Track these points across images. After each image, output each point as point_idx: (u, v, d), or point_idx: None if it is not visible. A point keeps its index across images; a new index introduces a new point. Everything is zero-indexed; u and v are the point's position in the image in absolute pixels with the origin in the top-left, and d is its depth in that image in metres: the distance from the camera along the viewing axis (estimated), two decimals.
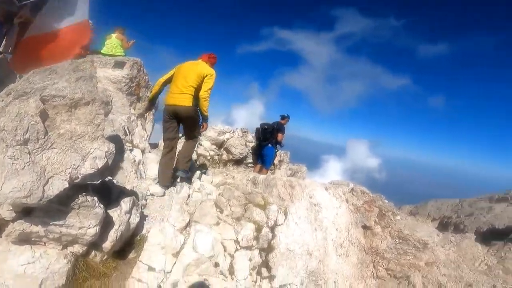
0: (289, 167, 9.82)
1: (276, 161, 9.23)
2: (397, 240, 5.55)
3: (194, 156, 7.25)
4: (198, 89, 4.13)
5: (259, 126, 8.20)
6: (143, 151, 5.39)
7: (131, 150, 4.96)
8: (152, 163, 4.91)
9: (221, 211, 4.19)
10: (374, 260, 5.47)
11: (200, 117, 4.48)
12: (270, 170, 9.04)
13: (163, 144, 4.68)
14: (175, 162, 4.66)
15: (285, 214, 4.56)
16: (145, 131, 6.71)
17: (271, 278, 4.09)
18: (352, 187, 5.76)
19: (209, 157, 7.72)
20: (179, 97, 4.10)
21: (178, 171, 4.68)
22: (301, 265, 4.39)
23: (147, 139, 6.53)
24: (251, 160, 9.10)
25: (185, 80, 4.09)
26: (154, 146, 7.11)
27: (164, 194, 4.49)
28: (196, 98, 4.17)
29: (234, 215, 4.19)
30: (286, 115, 8.14)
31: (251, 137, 9.37)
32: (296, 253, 4.37)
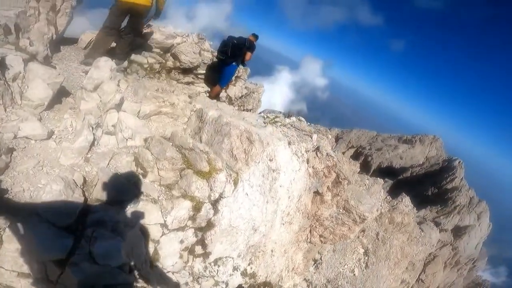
0: (245, 86, 8.40)
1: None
2: (340, 210, 5.30)
3: (125, 64, 5.21)
4: None
5: (226, 39, 6.83)
6: (29, 59, 3.31)
7: (2, 57, 2.88)
8: (37, 80, 2.99)
9: (144, 174, 2.90)
10: (312, 225, 5.23)
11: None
12: (224, 89, 7.62)
13: (102, 31, 4.74)
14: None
15: (235, 183, 3.55)
16: (53, 26, 5.13)
17: (205, 255, 3.35)
18: (318, 146, 4.91)
19: (146, 65, 5.68)
20: None
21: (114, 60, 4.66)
22: (242, 240, 3.73)
23: (53, 37, 5.17)
24: (203, 71, 7.34)
25: None
26: (71, 41, 6.12)
27: (48, 137, 2.88)
28: None
29: (163, 181, 2.97)
30: (256, 34, 7.16)
31: (208, 45, 7.33)
32: (239, 229, 3.62)
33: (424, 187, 43.01)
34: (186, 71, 7.11)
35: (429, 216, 35.80)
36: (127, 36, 5.02)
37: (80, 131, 3.40)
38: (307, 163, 4.71)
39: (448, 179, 42.02)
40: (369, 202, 5.58)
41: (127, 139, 3.50)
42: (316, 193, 5.03)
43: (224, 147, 3.82)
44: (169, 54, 6.75)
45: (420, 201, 39.72)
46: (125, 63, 5.36)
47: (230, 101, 7.96)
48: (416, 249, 11.13)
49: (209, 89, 7.48)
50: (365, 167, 50.14)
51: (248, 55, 6.87)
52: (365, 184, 11.08)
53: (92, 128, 3.46)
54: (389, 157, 53.22)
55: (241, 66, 8.18)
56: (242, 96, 8.03)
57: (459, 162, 44.86)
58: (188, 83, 7.30)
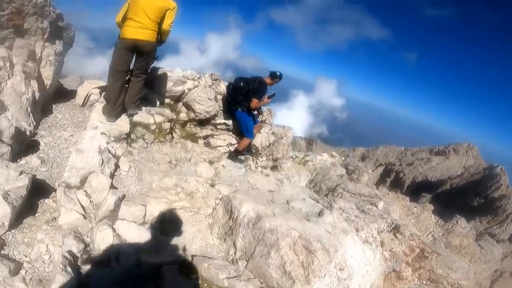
0: (272, 131, 7.15)
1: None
2: (424, 282, 3.75)
3: (127, 129, 4.10)
4: (161, 23, 4.02)
5: (232, 81, 5.72)
6: None
7: None
8: None
9: None
10: None
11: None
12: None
13: (110, 77, 4.22)
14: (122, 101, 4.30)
15: None
16: (35, 81, 4.07)
17: None
18: (396, 225, 3.45)
19: (154, 126, 4.56)
20: (143, 32, 3.91)
21: (128, 110, 4.37)
22: None
23: (35, 96, 4.10)
24: (222, 121, 6.21)
25: (146, 14, 3.87)
26: (67, 96, 5.14)
27: (13, 273, 1.77)
28: (158, 33, 4.08)
29: None
30: (278, 73, 5.70)
31: (224, 87, 6.22)
32: None
33: (468, 198, 39.18)
34: (202, 122, 6.00)
35: (479, 227, 32.07)
36: (137, 79, 4.29)
37: (57, 264, 2.22)
38: (382, 247, 3.26)
39: (493, 187, 38.17)
40: (462, 266, 3.98)
41: (129, 269, 2.26)
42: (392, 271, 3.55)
43: (272, 262, 2.49)
44: (180, 104, 5.66)
45: (467, 213, 36.01)
46: (127, 127, 4.28)
47: (257, 151, 6.72)
48: (479, 268, 9.67)
49: (232, 142, 6.30)
50: (397, 184, 47.01)
51: (254, 102, 5.51)
52: (413, 213, 9.62)
53: (75, 258, 2.26)
54: (423, 171, 49.75)
55: (264, 108, 7.02)
56: (269, 144, 6.77)
57: (501, 169, 40.97)
58: (206, 137, 6.15)
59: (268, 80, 5.64)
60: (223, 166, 4.69)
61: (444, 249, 5.50)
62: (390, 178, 49.60)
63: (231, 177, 4.04)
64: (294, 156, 10.49)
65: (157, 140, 4.56)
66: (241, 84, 5.46)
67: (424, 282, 3.55)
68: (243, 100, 5.57)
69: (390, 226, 3.26)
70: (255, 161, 6.77)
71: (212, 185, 3.62)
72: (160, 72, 5.10)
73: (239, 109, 5.69)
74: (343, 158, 11.01)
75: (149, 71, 4.58)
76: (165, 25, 4.03)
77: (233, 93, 5.59)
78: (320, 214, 3.08)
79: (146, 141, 4.41)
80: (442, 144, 53.69)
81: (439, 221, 10.59)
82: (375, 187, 9.99)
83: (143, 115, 4.41)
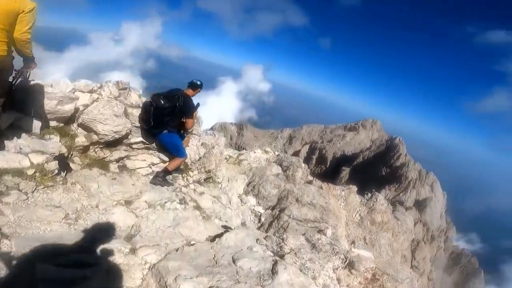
0: (201, 142, 6.32)
1: None
2: None
3: None
4: (12, 31, 3.15)
5: (149, 100, 4.79)
6: None
7: None
8: None
9: None
10: None
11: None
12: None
13: None
14: None
15: None
16: None
17: None
18: (349, 261, 3.16)
19: (31, 171, 3.23)
20: None
21: None
22: None
23: None
24: (139, 139, 5.11)
25: None
26: None
27: None
28: (12, 43, 3.20)
29: None
30: (198, 82, 5.00)
31: (136, 98, 5.07)
32: None
33: (377, 168, 45.67)
34: (111, 143, 4.78)
35: (389, 195, 37.83)
36: None
37: None
38: (339, 283, 2.96)
39: (395, 156, 45.35)
40: (406, 275, 4.06)
41: None
42: None
43: None
44: (75, 126, 4.34)
45: (378, 183, 41.99)
46: None
47: (186, 167, 5.81)
48: (400, 240, 10.93)
49: (154, 161, 5.26)
50: (322, 161, 51.59)
51: (190, 122, 4.90)
52: (342, 197, 10.29)
53: None
54: (340, 146, 55.67)
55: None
56: (200, 157, 5.94)
57: (399, 140, 49.01)
58: (120, 160, 4.96)
59: (190, 92, 4.88)
60: (146, 204, 3.73)
61: (387, 256, 5.71)
62: (315, 156, 54.19)
63: (158, 230, 3.16)
64: (228, 157, 9.87)
65: (43, 186, 3.28)
66: (163, 102, 4.53)
67: None
68: (170, 121, 4.71)
69: (345, 262, 2.95)
70: (185, 178, 5.90)
71: (134, 250, 2.70)
72: (35, 88, 3.67)
73: (164, 131, 4.78)
74: (277, 153, 10.92)
75: (11, 90, 3.23)
76: (16, 32, 3.14)
77: (156, 116, 4.63)
78: (273, 270, 2.54)
79: (23, 191, 3.10)
80: (353, 121, 61.13)
81: (363, 200, 11.62)
82: (309, 177, 10.13)
83: (9, 157, 3.05)
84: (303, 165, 10.26)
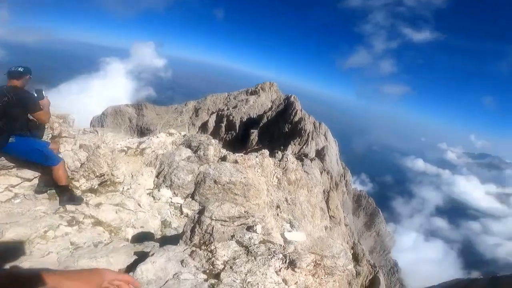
0: (78, 144, 4.97)
1: None
2: (323, 279, 3.82)
3: None
4: None
5: None
6: None
7: None
8: None
9: None
10: None
11: None
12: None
13: None
14: None
15: None
16: None
17: None
18: (292, 260, 2.93)
19: None
20: None
21: None
22: None
23: None
24: None
25: None
26: None
27: None
28: None
29: None
30: (21, 69, 3.78)
31: None
32: None
33: (281, 126, 49.51)
34: None
35: (295, 150, 41.90)
36: None
37: None
38: (286, 284, 2.75)
39: (293, 113, 49.83)
40: (340, 249, 4.28)
41: None
42: None
43: None
44: None
45: (283, 139, 45.79)
46: None
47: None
48: (315, 194, 11.92)
49: (13, 182, 3.81)
50: (231, 127, 52.27)
51: (41, 115, 3.76)
52: (258, 163, 10.53)
53: None
54: (246, 110, 57.26)
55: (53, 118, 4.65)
56: (82, 164, 4.64)
57: (294, 97, 53.76)
58: None
59: (16, 83, 3.65)
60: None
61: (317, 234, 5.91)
62: (224, 123, 54.46)
63: None
64: (126, 149, 8.48)
65: None
66: None
67: (323, 278, 3.41)
68: (10, 125, 3.47)
69: (285, 262, 2.69)
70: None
71: None
72: None
73: (11, 138, 3.47)
74: (183, 133, 9.96)
75: None
76: None
77: None
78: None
79: None
80: (253, 85, 63.35)
81: (276, 162, 12.13)
82: (222, 152, 9.76)
83: None
84: (213, 141, 9.73)
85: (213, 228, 2.85)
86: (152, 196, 7.02)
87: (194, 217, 3.29)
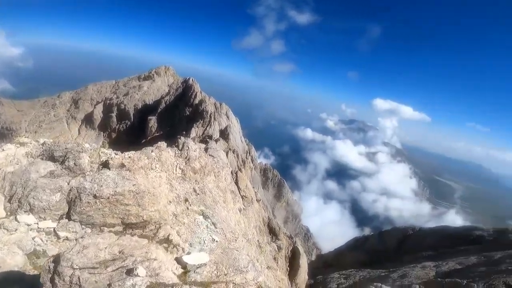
0: None
1: None
2: None
3: None
4: None
5: None
6: None
7: None
8: None
9: None
10: None
11: None
12: None
13: None
14: None
15: None
16: None
17: None
18: None
19: None
20: None
21: None
22: None
23: None
24: None
25: None
26: None
27: None
28: None
29: None
30: None
31: None
32: None
33: (181, 110, 47.02)
34: None
35: (199, 132, 40.69)
36: None
37: None
38: None
39: (193, 96, 47.95)
40: (247, 260, 3.92)
41: None
42: None
43: None
44: None
45: (185, 122, 43.74)
46: None
47: None
48: (223, 177, 11.66)
49: None
50: (124, 116, 46.38)
51: None
52: (154, 157, 9.38)
53: None
54: (139, 97, 51.64)
55: None
56: None
57: (192, 80, 51.70)
58: None
59: None
60: None
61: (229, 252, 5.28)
62: (114, 113, 47.81)
63: None
64: None
65: None
66: None
67: None
68: None
69: None
70: None
71: None
72: None
73: None
74: (41, 141, 7.51)
75: None
76: None
77: None
78: None
79: None
80: (147, 70, 57.53)
81: (177, 152, 11.04)
82: (102, 156, 8.00)
83: None
84: (87, 146, 7.83)
85: (79, 278, 1.96)
86: (5, 229, 5.17)
87: (49, 267, 2.25)
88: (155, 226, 5.87)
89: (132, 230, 5.62)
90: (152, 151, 9.07)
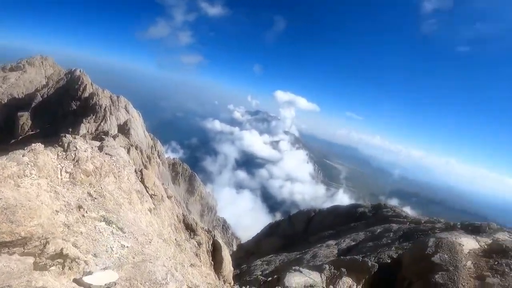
0: None
1: None
2: None
3: None
4: None
5: None
6: None
7: None
8: None
9: None
10: None
11: None
12: None
13: None
14: None
15: None
16: None
17: None
18: None
19: None
20: None
21: None
22: None
23: None
24: None
25: None
26: None
27: None
28: None
29: None
30: None
31: None
32: None
33: (66, 104, 39.53)
34: None
35: (91, 128, 35.09)
36: None
37: None
38: None
39: (81, 88, 41.00)
40: (164, 271, 3.47)
41: None
42: None
43: None
44: None
45: (72, 117, 36.98)
46: None
47: None
48: (126, 177, 10.57)
49: None
50: None
51: None
52: (27, 163, 7.46)
53: None
54: (5, 90, 40.68)
55: None
56: None
57: (80, 71, 44.28)
58: None
59: None
60: None
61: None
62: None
63: None
64: None
65: None
66: None
67: None
68: None
69: None
70: None
71: None
72: None
73: None
74: None
75: None
76: None
77: None
78: None
79: None
80: (14, 60, 45.91)
81: (60, 153, 9.12)
82: None
83: None
84: None
85: None
86: None
87: None
88: (41, 242, 4.75)
89: (9, 248, 4.41)
90: (23, 155, 7.14)
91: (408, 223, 25.06)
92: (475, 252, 13.99)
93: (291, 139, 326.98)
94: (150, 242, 6.31)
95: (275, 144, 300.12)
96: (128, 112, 35.18)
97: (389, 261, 16.17)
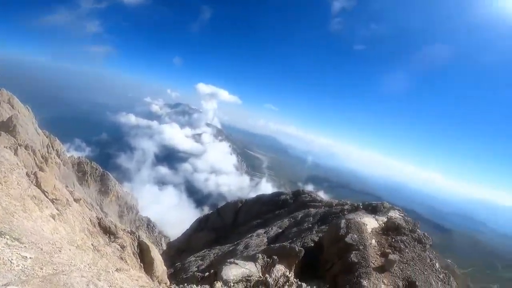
0: None
1: None
2: None
3: None
4: None
5: None
6: None
7: None
8: None
9: None
10: None
11: None
12: None
13: None
14: None
15: None
16: None
17: None
18: None
19: None
20: None
21: None
22: None
23: None
24: None
25: None
26: None
27: None
28: None
29: None
30: None
31: None
32: None
33: None
34: None
35: None
36: None
37: None
38: None
39: None
40: (80, 283, 2.86)
41: None
42: None
43: None
44: None
45: None
46: None
47: None
48: (15, 182, 8.75)
49: None
50: None
51: None
52: None
53: None
54: None
55: None
56: None
57: None
58: None
59: None
60: None
61: None
62: None
63: None
64: None
65: None
66: None
67: None
68: None
69: None
70: None
71: None
72: None
73: None
74: None
75: None
76: None
77: None
78: None
79: None
80: None
81: None
82: None
83: None
84: None
85: None
86: None
87: None
88: None
89: None
90: None
91: (322, 206, 27.53)
92: (376, 230, 15.63)
93: (214, 131, 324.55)
94: (60, 251, 5.18)
95: (197, 137, 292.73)
96: (13, 107, 28.50)
97: (312, 244, 17.21)
